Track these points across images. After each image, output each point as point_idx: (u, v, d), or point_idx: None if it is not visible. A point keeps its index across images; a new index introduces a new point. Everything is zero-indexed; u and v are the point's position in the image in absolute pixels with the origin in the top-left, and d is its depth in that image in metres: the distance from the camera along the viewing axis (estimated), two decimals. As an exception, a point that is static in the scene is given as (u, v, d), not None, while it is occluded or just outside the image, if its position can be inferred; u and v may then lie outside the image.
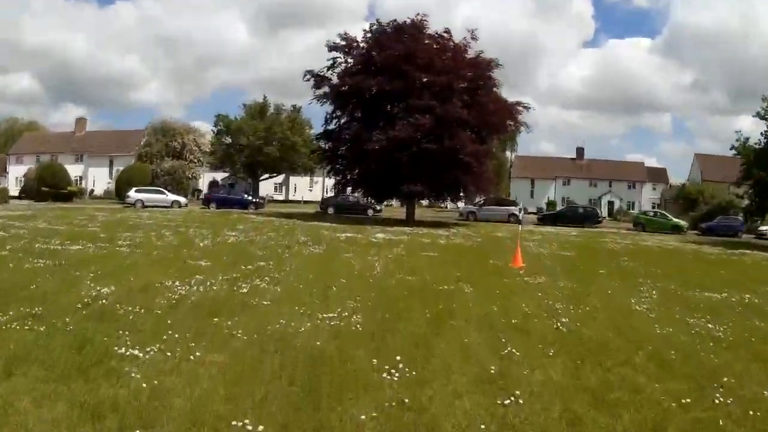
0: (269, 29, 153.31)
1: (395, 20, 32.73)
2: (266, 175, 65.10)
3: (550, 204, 70.70)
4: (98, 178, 68.68)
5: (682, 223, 43.84)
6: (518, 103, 33.37)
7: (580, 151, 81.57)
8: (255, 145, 59.16)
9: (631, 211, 70.76)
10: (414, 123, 30.01)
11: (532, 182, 78.63)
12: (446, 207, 64.52)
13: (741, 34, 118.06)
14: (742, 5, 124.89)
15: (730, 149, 32.05)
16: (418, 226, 30.13)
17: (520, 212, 45.34)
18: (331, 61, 33.63)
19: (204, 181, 68.97)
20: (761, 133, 29.78)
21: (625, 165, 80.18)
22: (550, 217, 45.72)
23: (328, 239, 19.30)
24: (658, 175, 77.88)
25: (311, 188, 75.35)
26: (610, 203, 73.64)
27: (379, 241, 19.94)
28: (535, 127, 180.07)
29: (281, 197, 72.26)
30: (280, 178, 71.17)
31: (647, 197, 74.88)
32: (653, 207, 69.72)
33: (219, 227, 22.28)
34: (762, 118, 29.09)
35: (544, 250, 19.72)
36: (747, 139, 30.68)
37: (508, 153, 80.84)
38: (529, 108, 33.56)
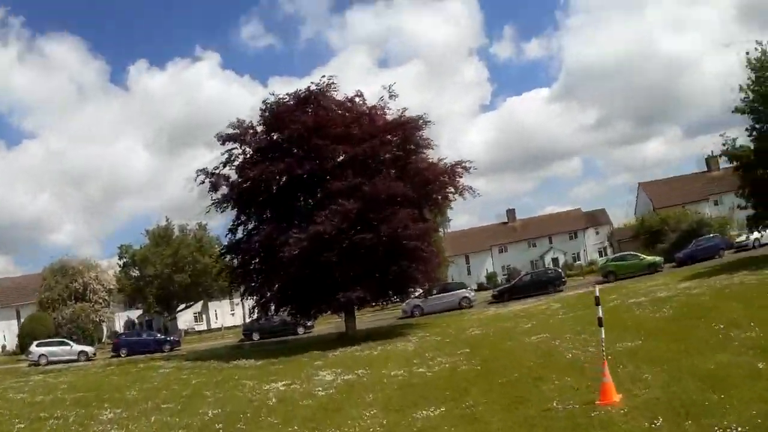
0: (170, 151, 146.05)
1: (297, 90, 26.61)
2: (182, 306, 58.95)
3: (490, 277, 65.85)
4: (8, 332, 57.69)
5: (658, 259, 38.75)
6: (459, 164, 27.18)
7: (510, 214, 76.71)
8: (164, 274, 53.83)
9: (578, 262, 66.91)
10: (338, 211, 23.60)
11: (467, 258, 72.06)
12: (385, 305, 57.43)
13: (633, 61, 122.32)
14: (627, 34, 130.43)
15: (720, 156, 28.90)
16: (365, 341, 22.94)
17: (471, 294, 39.51)
18: (225, 155, 26.76)
19: (120, 321, 61.16)
20: (747, 129, 25.73)
21: (561, 216, 75.99)
22: (507, 290, 39.17)
23: (251, 402, 11.96)
24: (597, 219, 73.84)
25: (233, 312, 66.92)
26: (554, 260, 68.45)
27: (328, 386, 12.75)
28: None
29: (203, 327, 65.02)
30: (198, 306, 64.33)
31: (592, 244, 70.68)
32: (601, 253, 66.69)
33: (98, 403, 14.08)
34: (742, 112, 25.08)
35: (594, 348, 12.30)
36: (735, 139, 26.66)
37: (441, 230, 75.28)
38: (470, 168, 27.37)
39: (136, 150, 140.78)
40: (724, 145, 26.16)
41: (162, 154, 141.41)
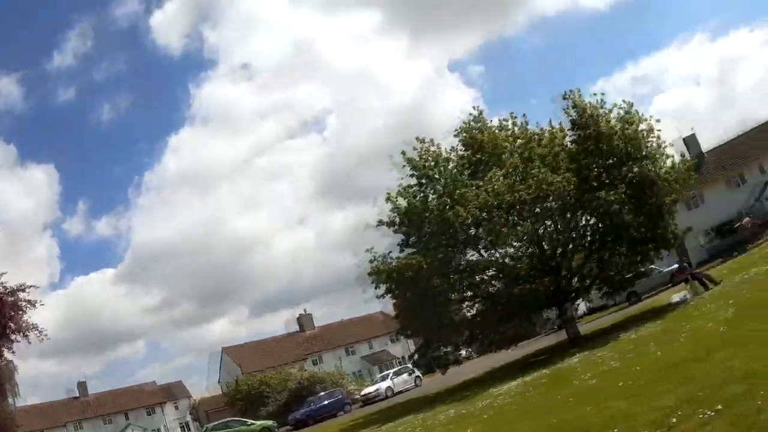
0: None
1: None
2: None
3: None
4: None
5: (270, 422, 35.63)
6: (21, 289, 22.49)
7: (82, 387, 66.01)
8: None
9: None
10: None
11: (42, 435, 58.97)
12: None
13: (201, 241, 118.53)
14: (197, 213, 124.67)
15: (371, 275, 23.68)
16: None
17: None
18: None
19: None
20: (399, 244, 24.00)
21: (134, 390, 68.53)
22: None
23: None
24: (173, 392, 68.97)
25: None
26: (132, 438, 61.50)
27: None
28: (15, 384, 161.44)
29: None
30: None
31: (172, 419, 65.57)
32: (183, 428, 62.67)
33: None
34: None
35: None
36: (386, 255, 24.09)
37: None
38: (36, 304, 22.72)
39: None
40: (371, 261, 23.66)
41: None
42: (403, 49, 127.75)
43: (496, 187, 21.33)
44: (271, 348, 60.81)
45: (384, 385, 35.29)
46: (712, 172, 44.48)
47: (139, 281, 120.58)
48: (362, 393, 36.32)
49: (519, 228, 21.81)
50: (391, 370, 38.54)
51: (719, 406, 6.65)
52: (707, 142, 47.34)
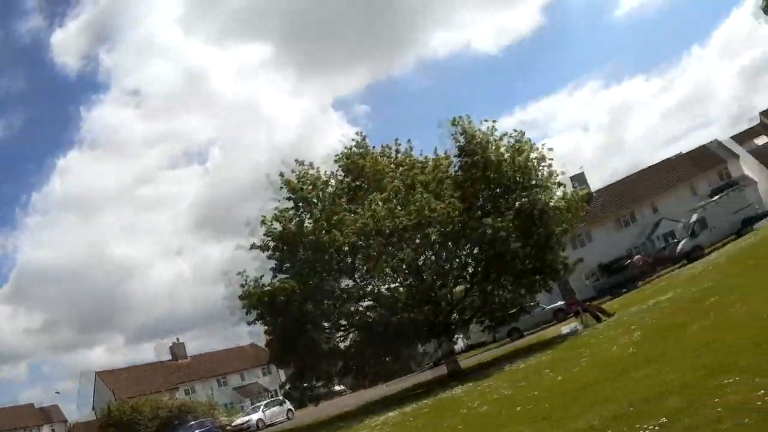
0: None
1: None
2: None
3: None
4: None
5: None
6: None
7: None
8: None
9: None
10: None
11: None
12: None
13: (83, 265, 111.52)
14: (81, 237, 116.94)
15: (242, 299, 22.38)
16: None
17: None
18: None
19: None
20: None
21: (14, 410, 65.41)
22: None
23: None
24: (50, 415, 66.48)
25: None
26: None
27: None
28: None
29: None
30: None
31: None
32: None
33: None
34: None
35: None
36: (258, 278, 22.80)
37: None
38: None
39: None
40: (242, 285, 22.35)
41: None
42: (291, 84, 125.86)
43: (375, 211, 20.33)
44: (144, 375, 57.92)
45: (255, 416, 33.96)
46: (599, 212, 45.22)
47: (23, 302, 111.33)
48: (233, 424, 35.15)
49: (399, 255, 20.68)
50: (263, 402, 38.03)
51: (663, 419, 5.99)
52: (593, 185, 47.30)
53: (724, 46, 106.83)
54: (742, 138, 49.00)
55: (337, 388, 44.67)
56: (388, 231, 20.33)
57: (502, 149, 21.93)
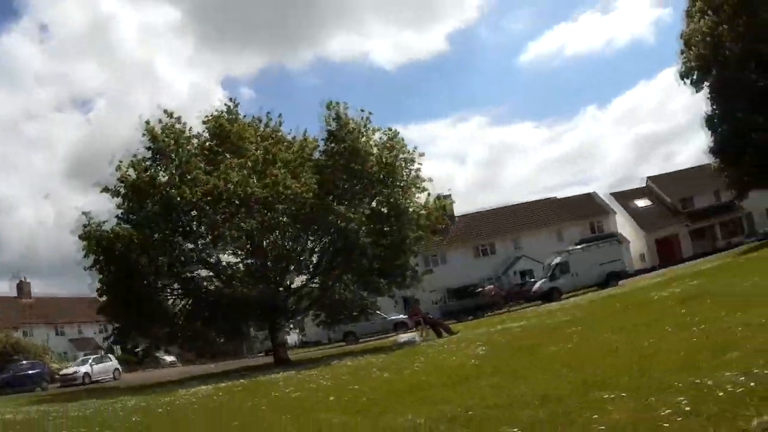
0: None
1: None
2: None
3: None
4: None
5: None
6: None
7: None
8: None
9: None
10: None
11: None
12: None
13: None
14: None
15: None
16: None
17: None
18: None
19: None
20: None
21: None
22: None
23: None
24: None
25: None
26: None
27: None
28: None
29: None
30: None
31: None
32: None
33: None
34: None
35: None
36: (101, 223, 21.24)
37: None
38: None
39: None
40: (85, 226, 20.87)
41: None
42: (188, 54, 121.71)
43: (229, 175, 19.62)
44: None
45: (83, 369, 32.85)
46: (460, 235, 45.60)
47: None
48: (62, 372, 34.16)
49: (244, 226, 19.80)
50: (92, 356, 36.19)
51: (515, 430, 5.11)
52: (458, 212, 46.82)
53: (625, 113, 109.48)
54: (623, 197, 50.45)
55: (168, 359, 44.11)
56: (237, 201, 19.69)
57: (372, 143, 21.76)
